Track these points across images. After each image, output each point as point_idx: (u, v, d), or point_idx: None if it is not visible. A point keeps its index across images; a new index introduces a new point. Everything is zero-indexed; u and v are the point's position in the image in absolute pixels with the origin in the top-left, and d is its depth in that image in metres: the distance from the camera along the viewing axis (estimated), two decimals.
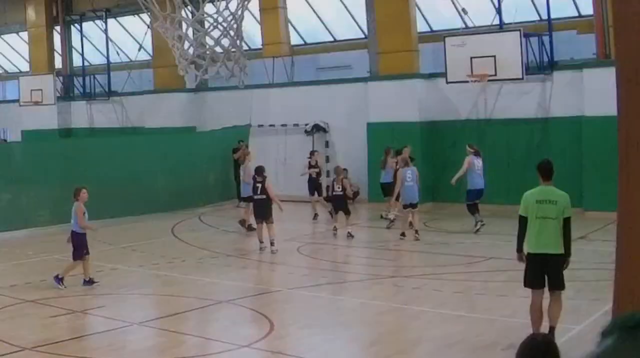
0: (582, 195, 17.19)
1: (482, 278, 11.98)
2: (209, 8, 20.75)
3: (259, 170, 15.13)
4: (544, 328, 8.18)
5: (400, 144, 20.64)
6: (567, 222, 8.03)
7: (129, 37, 29.44)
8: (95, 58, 30.57)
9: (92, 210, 18.84)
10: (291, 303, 10.92)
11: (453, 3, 21.21)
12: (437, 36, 20.88)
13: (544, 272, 8.07)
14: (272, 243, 14.56)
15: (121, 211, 19.14)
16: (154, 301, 11.53)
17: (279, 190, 19.40)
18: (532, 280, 8.18)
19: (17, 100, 30.31)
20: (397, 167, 16.81)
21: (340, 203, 16.28)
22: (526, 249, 8.24)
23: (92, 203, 18.96)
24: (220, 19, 20.21)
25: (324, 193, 19.15)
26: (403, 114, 20.88)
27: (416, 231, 15.56)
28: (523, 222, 8.19)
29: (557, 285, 8.14)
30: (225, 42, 20.32)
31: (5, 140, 30.78)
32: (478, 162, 16.56)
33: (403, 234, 15.60)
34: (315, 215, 18.99)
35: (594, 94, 17.60)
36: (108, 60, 29.39)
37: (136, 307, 10.78)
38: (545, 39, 19.25)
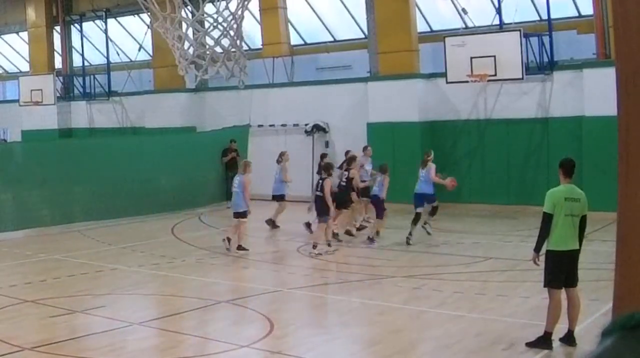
0: None
1: (482, 278, 11.98)
2: (209, 8, 20.75)
3: None
4: (556, 331, 8.18)
5: (399, 144, 20.68)
6: (584, 219, 8.13)
7: (129, 37, 29.43)
8: (95, 58, 30.56)
9: (92, 210, 19.00)
10: (291, 303, 10.91)
11: (453, 3, 21.22)
12: (437, 36, 20.88)
13: (566, 270, 8.07)
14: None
15: (121, 211, 19.15)
16: (154, 301, 11.52)
17: (278, 191, 19.32)
18: (558, 279, 8.05)
19: (17, 100, 30.32)
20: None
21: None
22: (544, 248, 8.20)
23: (92, 203, 19.12)
24: (220, 19, 20.20)
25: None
26: (403, 114, 20.88)
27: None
28: (549, 219, 8.05)
29: (575, 281, 8.16)
30: (225, 42, 20.31)
31: (5, 140, 30.78)
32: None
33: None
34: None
35: (594, 94, 17.59)
36: (108, 60, 29.39)
37: (136, 307, 10.77)
38: (545, 39, 19.25)
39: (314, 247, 14.19)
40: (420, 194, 15.38)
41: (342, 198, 15.61)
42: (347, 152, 17.23)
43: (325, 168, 14.93)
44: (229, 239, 14.67)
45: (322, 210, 14.53)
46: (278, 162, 18.24)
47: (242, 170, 14.99)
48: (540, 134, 19.43)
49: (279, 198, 17.91)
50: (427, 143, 20.80)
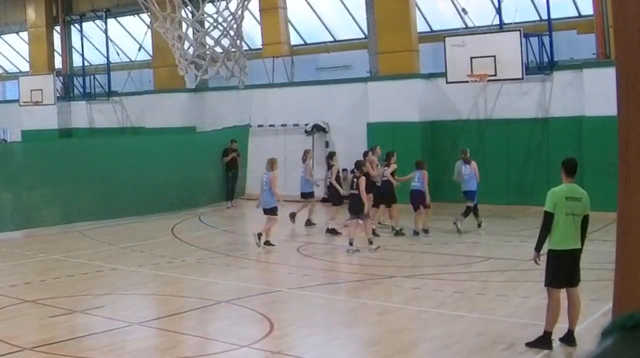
0: None
1: (482, 278, 11.98)
2: (209, 8, 20.76)
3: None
4: (556, 331, 8.18)
5: (400, 144, 20.67)
6: (586, 219, 8.12)
7: (129, 37, 29.43)
8: (95, 58, 30.57)
9: (92, 210, 19.00)
10: (291, 303, 10.91)
11: (453, 3, 21.22)
12: (437, 36, 20.88)
13: (567, 269, 8.06)
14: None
15: (121, 211, 19.14)
16: (154, 301, 11.53)
17: (279, 190, 19.37)
18: (559, 278, 8.04)
19: (17, 100, 30.32)
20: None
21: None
22: (546, 247, 8.20)
23: (92, 203, 19.13)
24: (220, 19, 20.22)
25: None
26: (403, 114, 20.89)
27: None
28: (550, 219, 8.05)
29: (577, 280, 8.15)
30: (225, 42, 20.33)
31: (5, 140, 30.78)
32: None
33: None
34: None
35: (594, 94, 17.60)
36: (108, 60, 29.39)
37: (136, 307, 10.77)
38: (545, 39, 19.25)
39: (370, 242, 14.38)
40: (464, 192, 16.45)
41: (386, 193, 16.03)
42: (365, 153, 17.34)
43: (357, 165, 15.02)
44: (259, 235, 14.90)
45: (358, 209, 14.50)
46: (303, 160, 18.41)
47: (269, 167, 15.25)
48: (540, 134, 19.43)
49: (307, 196, 18.11)
50: (427, 143, 20.83)
